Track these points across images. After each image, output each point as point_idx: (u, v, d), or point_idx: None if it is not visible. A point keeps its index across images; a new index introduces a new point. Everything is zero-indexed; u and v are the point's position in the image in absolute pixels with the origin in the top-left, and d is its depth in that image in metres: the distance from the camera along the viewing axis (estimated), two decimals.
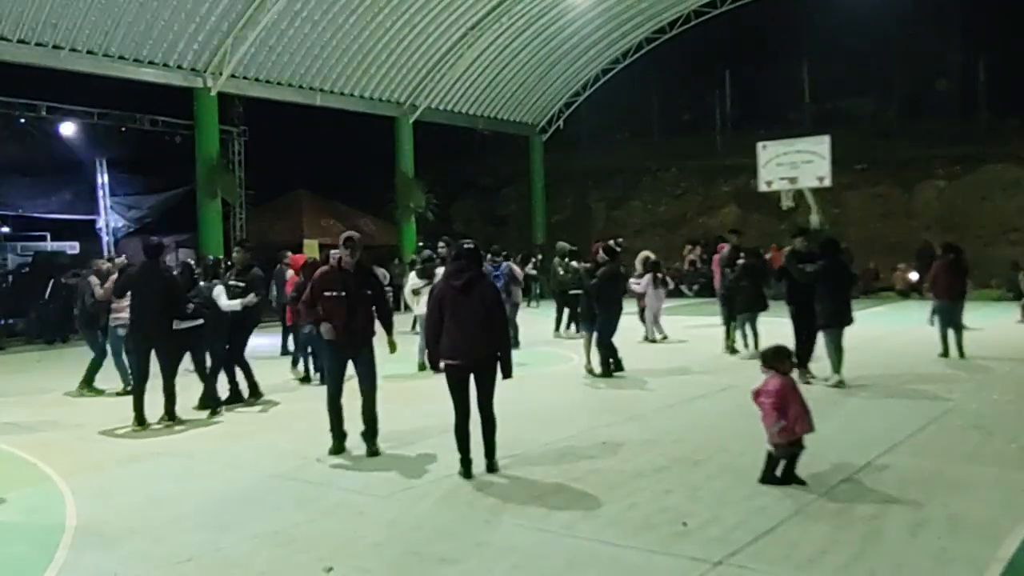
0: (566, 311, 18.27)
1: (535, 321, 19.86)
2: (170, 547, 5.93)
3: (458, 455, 7.56)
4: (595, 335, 13.03)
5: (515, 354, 15.15)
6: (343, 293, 8.46)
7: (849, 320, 11.61)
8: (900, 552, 5.56)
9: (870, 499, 6.55)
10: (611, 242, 13.77)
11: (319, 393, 9.01)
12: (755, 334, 14.37)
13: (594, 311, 12.97)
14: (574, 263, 18.54)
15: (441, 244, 15.14)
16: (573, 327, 18.23)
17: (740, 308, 14.61)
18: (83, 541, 6.12)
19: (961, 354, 13.58)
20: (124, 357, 12.04)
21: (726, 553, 5.55)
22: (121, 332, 11.72)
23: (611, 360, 12.95)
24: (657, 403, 10.86)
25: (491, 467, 7.66)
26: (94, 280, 12.59)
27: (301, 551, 5.81)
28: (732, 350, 14.93)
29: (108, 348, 12.49)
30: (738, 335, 14.85)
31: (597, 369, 12.97)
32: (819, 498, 6.50)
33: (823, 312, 11.55)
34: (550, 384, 12.74)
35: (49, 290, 20.21)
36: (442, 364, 7.68)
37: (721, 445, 8.41)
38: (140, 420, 9.97)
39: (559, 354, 15.69)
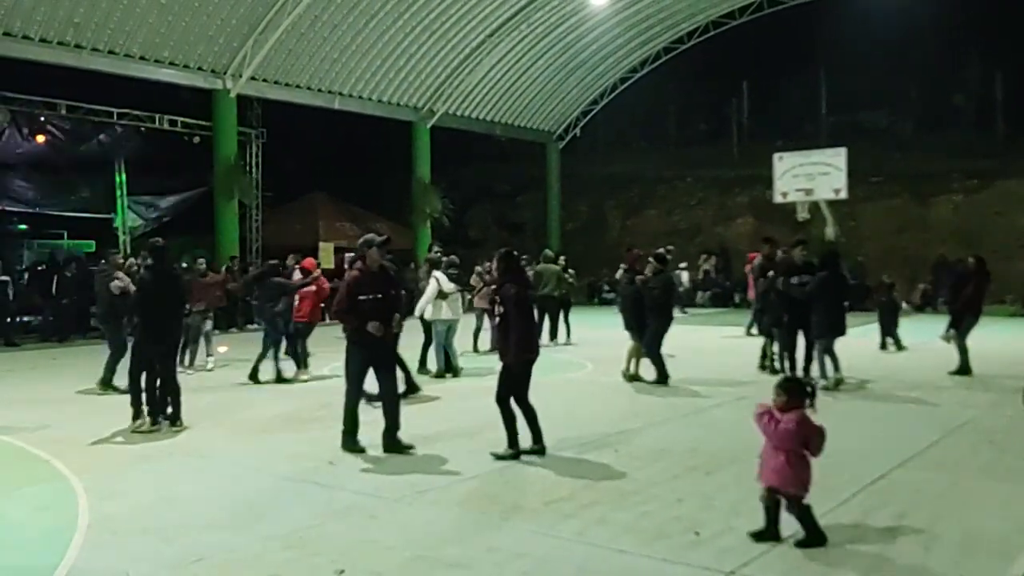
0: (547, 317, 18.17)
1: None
2: (181, 547, 5.94)
3: (510, 448, 8.29)
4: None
5: None
6: (379, 295, 8.63)
7: (842, 331, 12.10)
8: (913, 566, 5.53)
9: (884, 512, 6.52)
10: (661, 250, 13.48)
11: (330, 394, 9.02)
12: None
13: (643, 319, 12.87)
14: (572, 270, 18.78)
15: (436, 250, 16.01)
16: (564, 335, 18.55)
17: (772, 323, 13.44)
18: (94, 540, 6.13)
19: (964, 372, 13.29)
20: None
21: (739, 563, 5.54)
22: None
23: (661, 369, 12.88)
24: (671, 412, 10.84)
25: (542, 450, 8.42)
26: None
27: (313, 553, 5.82)
28: (767, 368, 13.66)
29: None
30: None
31: (648, 376, 12.86)
32: (833, 510, 6.47)
33: (818, 323, 12.04)
34: (564, 391, 12.71)
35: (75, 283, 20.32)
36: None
37: (735, 455, 8.35)
38: (139, 415, 9.82)
39: (574, 361, 15.69)
